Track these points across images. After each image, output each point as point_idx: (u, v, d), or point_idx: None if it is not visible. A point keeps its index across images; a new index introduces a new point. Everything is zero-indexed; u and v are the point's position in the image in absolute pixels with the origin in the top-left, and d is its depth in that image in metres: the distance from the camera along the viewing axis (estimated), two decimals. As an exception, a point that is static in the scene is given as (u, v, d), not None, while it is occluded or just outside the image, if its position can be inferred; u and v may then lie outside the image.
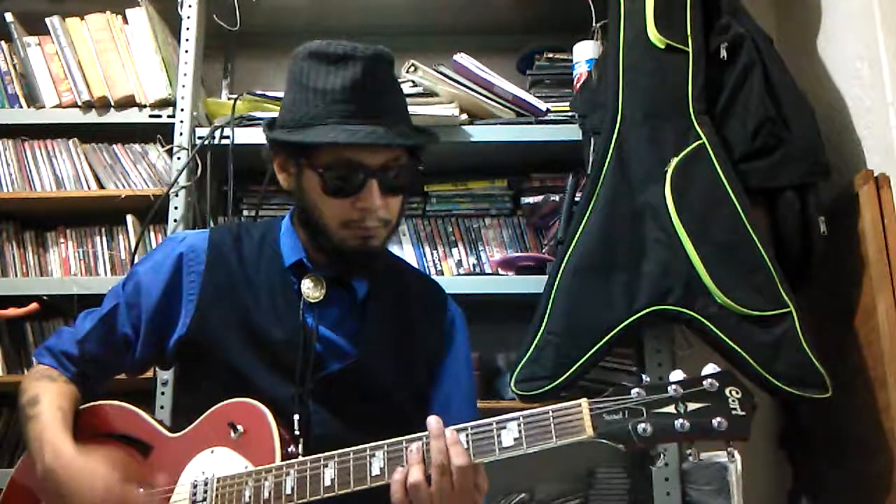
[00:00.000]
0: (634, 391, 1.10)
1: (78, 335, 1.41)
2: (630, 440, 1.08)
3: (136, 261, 2.06)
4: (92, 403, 1.41)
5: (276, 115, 1.41)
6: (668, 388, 1.10)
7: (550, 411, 1.12)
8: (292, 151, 1.32)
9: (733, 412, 1.07)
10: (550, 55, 2.36)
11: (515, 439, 1.11)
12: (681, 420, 1.07)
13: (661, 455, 1.10)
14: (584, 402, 1.11)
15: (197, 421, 1.33)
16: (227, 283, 1.38)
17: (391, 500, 1.14)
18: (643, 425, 1.07)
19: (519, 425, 1.12)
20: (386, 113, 1.29)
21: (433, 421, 1.15)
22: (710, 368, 1.12)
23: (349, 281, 1.39)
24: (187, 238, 1.44)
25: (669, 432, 1.07)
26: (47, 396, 1.33)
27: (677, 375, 1.11)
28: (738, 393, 1.09)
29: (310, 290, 1.36)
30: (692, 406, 1.08)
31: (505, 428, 1.12)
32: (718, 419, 1.07)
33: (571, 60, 2.28)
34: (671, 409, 1.08)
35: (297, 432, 1.28)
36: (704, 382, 1.09)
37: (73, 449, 1.25)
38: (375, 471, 1.16)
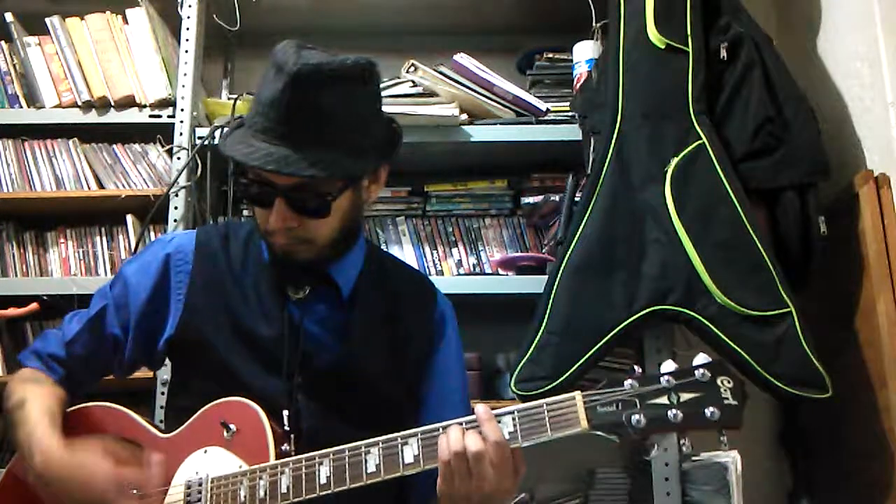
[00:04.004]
0: (627, 383, 1.11)
1: (65, 337, 1.40)
2: (624, 432, 1.08)
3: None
4: (81, 405, 1.40)
5: None
6: (661, 379, 1.10)
7: (545, 404, 1.12)
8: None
9: (725, 401, 1.08)
10: (550, 55, 2.36)
11: (511, 433, 1.12)
12: (674, 410, 1.08)
13: (655, 445, 1.10)
14: (577, 394, 1.12)
15: (189, 421, 1.33)
16: (215, 281, 1.38)
17: (439, 468, 1.13)
18: (637, 416, 1.08)
19: (514, 419, 1.13)
20: (301, 135, 1.22)
21: (481, 409, 1.14)
22: (702, 358, 1.12)
23: (331, 279, 1.39)
24: (175, 239, 1.44)
25: (663, 423, 1.08)
26: (35, 399, 1.32)
27: (669, 366, 1.12)
28: (729, 382, 1.10)
29: (294, 286, 1.36)
30: (685, 396, 1.09)
31: (500, 422, 1.13)
32: (711, 409, 1.08)
33: (571, 60, 2.28)
34: (664, 399, 1.09)
35: (286, 427, 1.28)
36: (696, 373, 1.10)
37: (62, 447, 1.24)
38: (371, 468, 1.16)
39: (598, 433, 1.09)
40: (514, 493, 1.16)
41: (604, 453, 2.14)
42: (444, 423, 1.15)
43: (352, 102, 1.26)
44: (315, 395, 1.32)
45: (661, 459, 1.84)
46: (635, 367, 1.13)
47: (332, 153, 1.24)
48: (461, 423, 1.14)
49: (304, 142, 1.22)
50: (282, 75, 1.21)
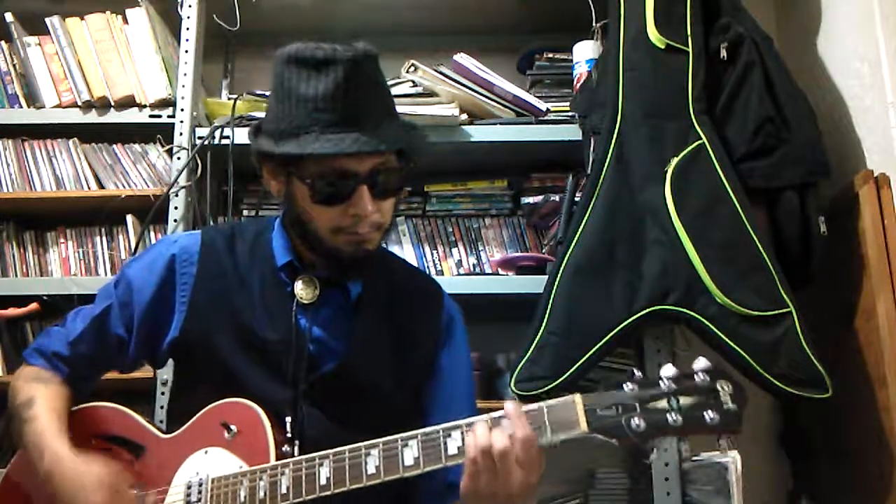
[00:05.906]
0: (627, 386, 1.11)
1: (70, 336, 1.40)
2: (624, 435, 1.08)
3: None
4: (84, 405, 1.40)
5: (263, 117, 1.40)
6: (661, 383, 1.10)
7: (544, 407, 1.12)
8: (280, 161, 1.31)
9: (724, 406, 1.08)
10: (550, 55, 2.36)
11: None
12: (673, 415, 1.07)
13: (654, 449, 1.10)
14: (577, 397, 1.11)
15: (190, 422, 1.33)
16: (220, 284, 1.37)
17: (465, 466, 1.12)
18: (636, 420, 1.08)
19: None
20: (370, 117, 1.26)
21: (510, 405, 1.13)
22: (702, 363, 1.12)
23: (343, 282, 1.38)
24: (179, 239, 1.44)
25: (662, 427, 1.08)
26: (42, 399, 1.33)
27: (669, 370, 1.11)
28: (728, 387, 1.09)
29: (303, 291, 1.35)
30: (684, 401, 1.08)
31: (500, 425, 1.12)
32: (710, 414, 1.07)
33: (571, 60, 2.28)
34: (664, 403, 1.09)
35: (289, 434, 1.28)
36: (696, 377, 1.10)
37: (70, 452, 1.26)
38: (371, 469, 1.16)
39: (598, 436, 1.09)
40: (536, 492, 1.15)
41: (604, 454, 2.14)
42: (446, 425, 1.15)
43: (386, 81, 1.35)
44: (319, 402, 1.32)
45: (661, 459, 1.84)
46: (635, 371, 1.13)
47: (396, 126, 1.32)
48: (486, 420, 1.13)
49: (375, 121, 1.27)
50: (335, 67, 1.24)
